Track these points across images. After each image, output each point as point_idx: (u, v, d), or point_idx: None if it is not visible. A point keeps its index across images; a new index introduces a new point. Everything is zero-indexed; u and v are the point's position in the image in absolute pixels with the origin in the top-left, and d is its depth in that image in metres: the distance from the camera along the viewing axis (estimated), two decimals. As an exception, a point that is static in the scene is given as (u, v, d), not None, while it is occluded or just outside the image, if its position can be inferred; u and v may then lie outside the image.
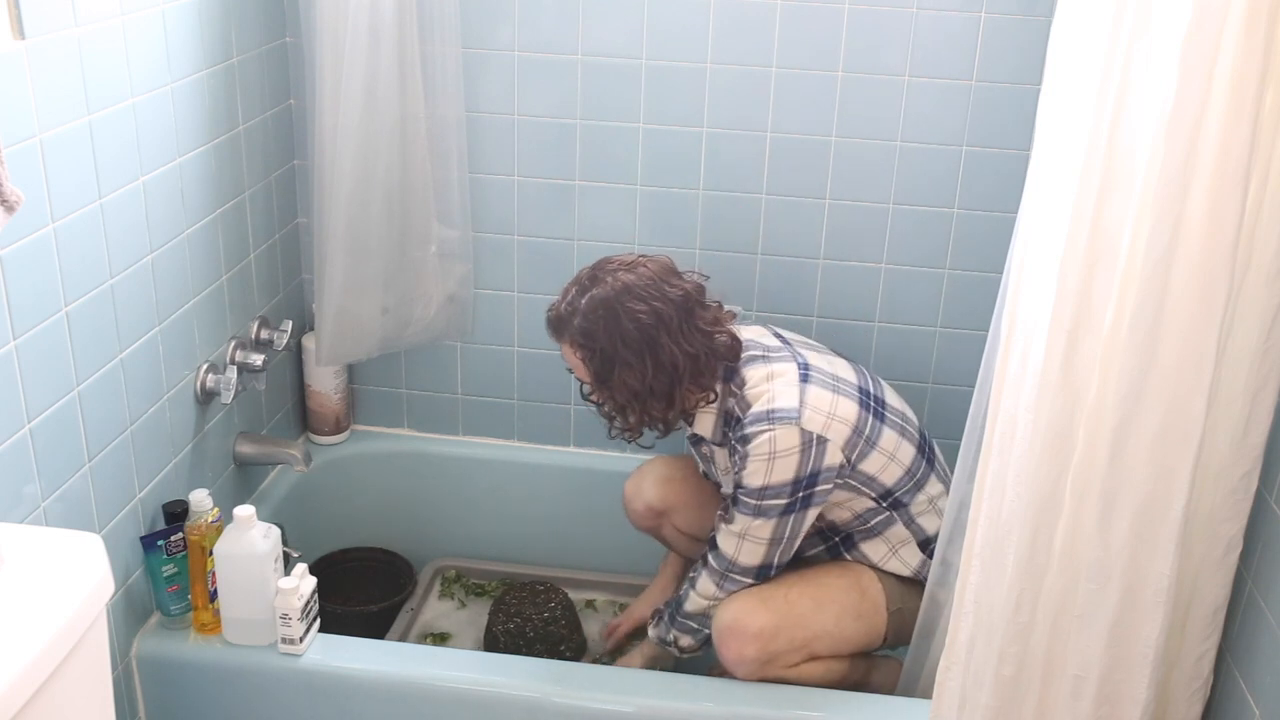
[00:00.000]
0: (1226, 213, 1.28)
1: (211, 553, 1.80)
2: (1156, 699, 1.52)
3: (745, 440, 1.81)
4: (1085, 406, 1.41)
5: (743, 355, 1.88)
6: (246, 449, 2.16)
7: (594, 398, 1.91)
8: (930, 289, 2.29)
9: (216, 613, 1.84)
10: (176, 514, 1.85)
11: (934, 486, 1.95)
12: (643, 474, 2.17)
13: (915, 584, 1.94)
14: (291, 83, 2.26)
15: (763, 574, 1.88)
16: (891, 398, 1.96)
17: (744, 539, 1.85)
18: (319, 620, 1.87)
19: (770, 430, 1.79)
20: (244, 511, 1.78)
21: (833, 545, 1.97)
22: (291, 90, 2.27)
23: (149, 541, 1.82)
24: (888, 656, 2.05)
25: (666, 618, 1.98)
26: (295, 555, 1.92)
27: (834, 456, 1.81)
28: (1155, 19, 1.27)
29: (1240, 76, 1.23)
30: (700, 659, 2.02)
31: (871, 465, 1.86)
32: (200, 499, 1.82)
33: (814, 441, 1.79)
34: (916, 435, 1.94)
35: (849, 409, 1.84)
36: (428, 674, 1.84)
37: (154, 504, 1.86)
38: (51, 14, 1.51)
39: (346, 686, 1.82)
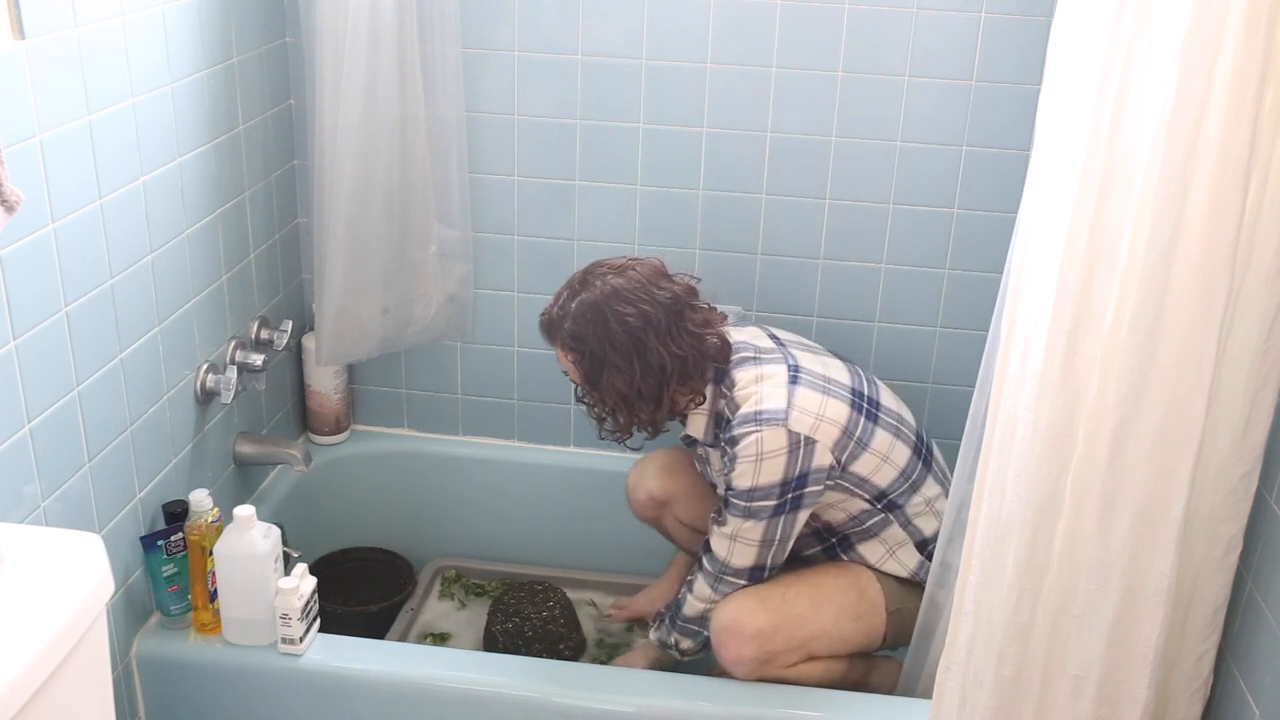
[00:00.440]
0: (1226, 213, 1.28)
1: (211, 553, 1.80)
2: (1156, 699, 1.52)
3: (733, 441, 1.82)
4: (1085, 406, 1.41)
5: (734, 357, 1.89)
6: (246, 449, 2.16)
7: (585, 400, 1.92)
8: (930, 289, 2.29)
9: (216, 613, 1.84)
10: (176, 514, 1.85)
11: (931, 488, 1.94)
12: (645, 464, 2.18)
13: (914, 585, 1.93)
14: (291, 83, 2.26)
15: (756, 575, 1.88)
16: (887, 399, 1.96)
17: (736, 541, 1.85)
18: (319, 620, 1.87)
19: (757, 431, 1.79)
20: (244, 511, 1.78)
21: (829, 546, 1.97)
22: (291, 90, 2.27)
23: (149, 541, 1.82)
24: (887, 657, 2.05)
25: (667, 621, 1.98)
26: (295, 555, 1.92)
27: (823, 458, 1.81)
28: (1155, 19, 1.27)
29: (1240, 76, 1.23)
30: (700, 659, 2.02)
31: (863, 467, 1.86)
32: (200, 499, 1.82)
33: (801, 443, 1.79)
34: (913, 437, 1.94)
35: (839, 410, 1.84)
36: (428, 674, 1.84)
37: (154, 504, 1.86)
38: (51, 14, 1.51)
39: (346, 686, 1.82)
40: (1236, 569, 1.53)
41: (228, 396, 1.99)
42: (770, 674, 1.85)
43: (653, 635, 2.01)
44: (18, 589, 1.20)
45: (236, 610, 1.82)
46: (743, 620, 1.84)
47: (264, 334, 2.19)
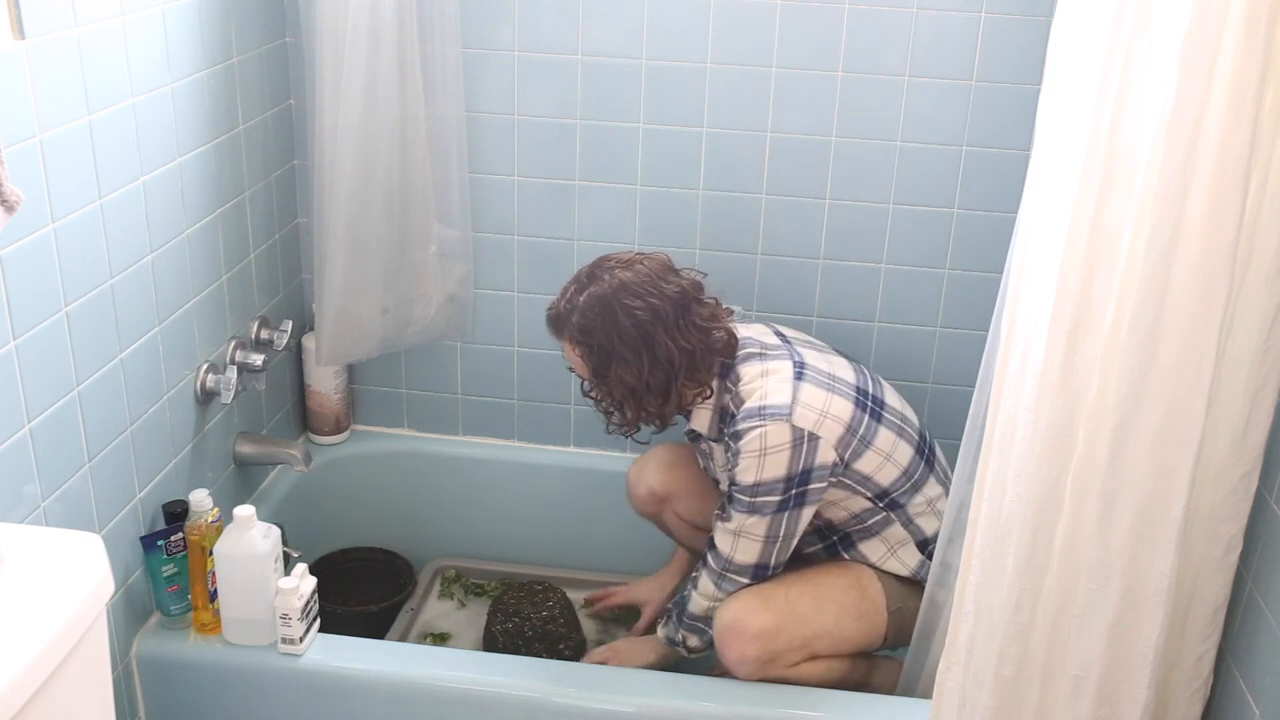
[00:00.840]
0: (1226, 213, 1.28)
1: (211, 553, 1.80)
2: (1156, 699, 1.52)
3: (738, 436, 1.82)
4: (1085, 406, 1.41)
5: (740, 352, 1.89)
6: (246, 449, 2.16)
7: (592, 394, 1.92)
8: (930, 289, 2.29)
9: (216, 613, 1.84)
10: (176, 514, 1.85)
11: (933, 488, 1.95)
12: (646, 460, 2.18)
13: (915, 584, 1.94)
14: (291, 83, 2.26)
15: (760, 573, 1.88)
16: (892, 398, 1.96)
17: (740, 536, 1.85)
18: (319, 620, 1.87)
19: (761, 426, 1.79)
20: (244, 511, 1.78)
21: (830, 545, 1.97)
22: (291, 90, 2.27)
23: (149, 541, 1.82)
24: (888, 657, 2.05)
25: (674, 618, 1.99)
26: (295, 555, 1.92)
27: (826, 454, 1.81)
28: (1155, 19, 1.27)
29: (1240, 76, 1.23)
30: (702, 659, 2.02)
31: (866, 465, 1.86)
32: (200, 499, 1.82)
33: (805, 438, 1.79)
34: (916, 437, 1.94)
35: (843, 407, 1.84)
36: (428, 674, 1.84)
37: (154, 504, 1.86)
38: (51, 14, 1.51)
39: (346, 686, 1.82)
40: (1236, 569, 1.53)
41: (228, 396, 1.99)
42: (773, 674, 1.85)
43: (660, 632, 2.02)
44: (18, 589, 1.20)
45: (236, 610, 1.82)
46: (746, 620, 1.84)
47: (264, 334, 2.19)
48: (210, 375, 1.99)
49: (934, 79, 2.14)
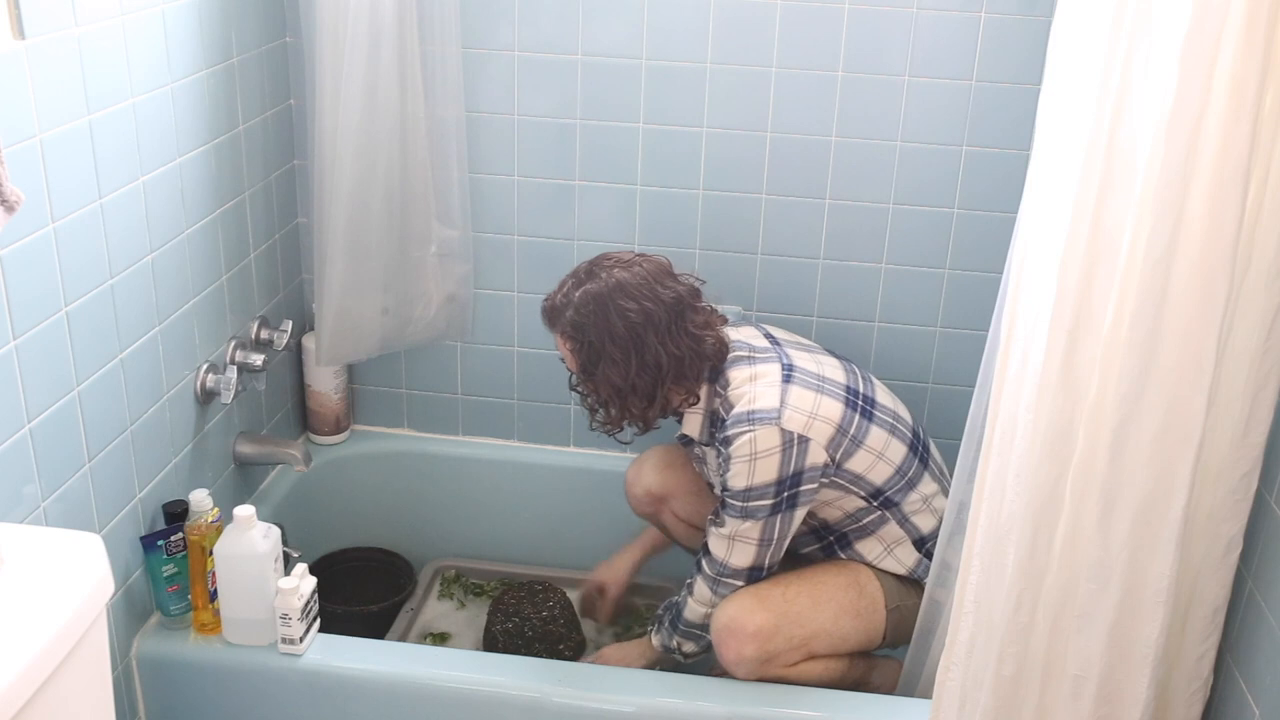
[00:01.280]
0: (1226, 213, 1.28)
1: (211, 553, 1.80)
2: (1156, 699, 1.52)
3: (727, 442, 1.82)
4: (1085, 406, 1.41)
5: (729, 356, 1.89)
6: (246, 449, 2.16)
7: (579, 388, 1.94)
8: (930, 289, 2.29)
9: (216, 613, 1.84)
10: (176, 514, 1.85)
11: (928, 486, 1.95)
12: (643, 460, 2.19)
13: (913, 583, 1.94)
14: (291, 83, 2.26)
15: (755, 575, 1.88)
16: (883, 396, 1.96)
17: (734, 541, 1.85)
18: (319, 620, 1.87)
19: (751, 431, 1.80)
20: (244, 511, 1.78)
21: (827, 544, 1.97)
22: (291, 90, 2.27)
23: (149, 541, 1.82)
24: (888, 657, 2.05)
25: (668, 624, 1.98)
26: (295, 555, 1.92)
27: (817, 455, 1.81)
28: (1155, 19, 1.27)
29: (1240, 76, 1.23)
30: (700, 660, 2.02)
31: (858, 464, 1.86)
32: (200, 499, 1.82)
33: (795, 441, 1.80)
34: (909, 434, 1.94)
35: (833, 408, 1.84)
36: (428, 674, 1.84)
37: (154, 504, 1.86)
38: (51, 14, 1.51)
39: (346, 686, 1.82)
40: (1236, 569, 1.53)
41: (228, 396, 1.99)
42: (771, 673, 1.85)
43: (655, 640, 2.01)
44: (18, 589, 1.20)
45: (236, 610, 1.82)
46: (743, 620, 1.84)
47: (264, 334, 2.19)
48: (210, 375, 1.99)
49: (934, 79, 2.14)
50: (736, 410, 1.83)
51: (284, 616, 1.79)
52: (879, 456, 1.88)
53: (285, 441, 2.28)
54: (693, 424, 1.92)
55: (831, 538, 1.96)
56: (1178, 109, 1.25)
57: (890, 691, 1.98)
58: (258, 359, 2.11)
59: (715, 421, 1.88)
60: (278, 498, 2.27)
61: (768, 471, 1.80)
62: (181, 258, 1.89)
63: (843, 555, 1.97)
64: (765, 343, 1.94)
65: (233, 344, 2.10)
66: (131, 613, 1.83)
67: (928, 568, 1.89)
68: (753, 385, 1.85)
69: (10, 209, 1.32)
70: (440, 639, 2.31)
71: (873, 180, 2.22)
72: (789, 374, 1.86)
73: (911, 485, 1.92)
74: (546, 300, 1.91)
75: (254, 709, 1.85)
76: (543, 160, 2.28)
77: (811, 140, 2.20)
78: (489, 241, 2.35)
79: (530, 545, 2.50)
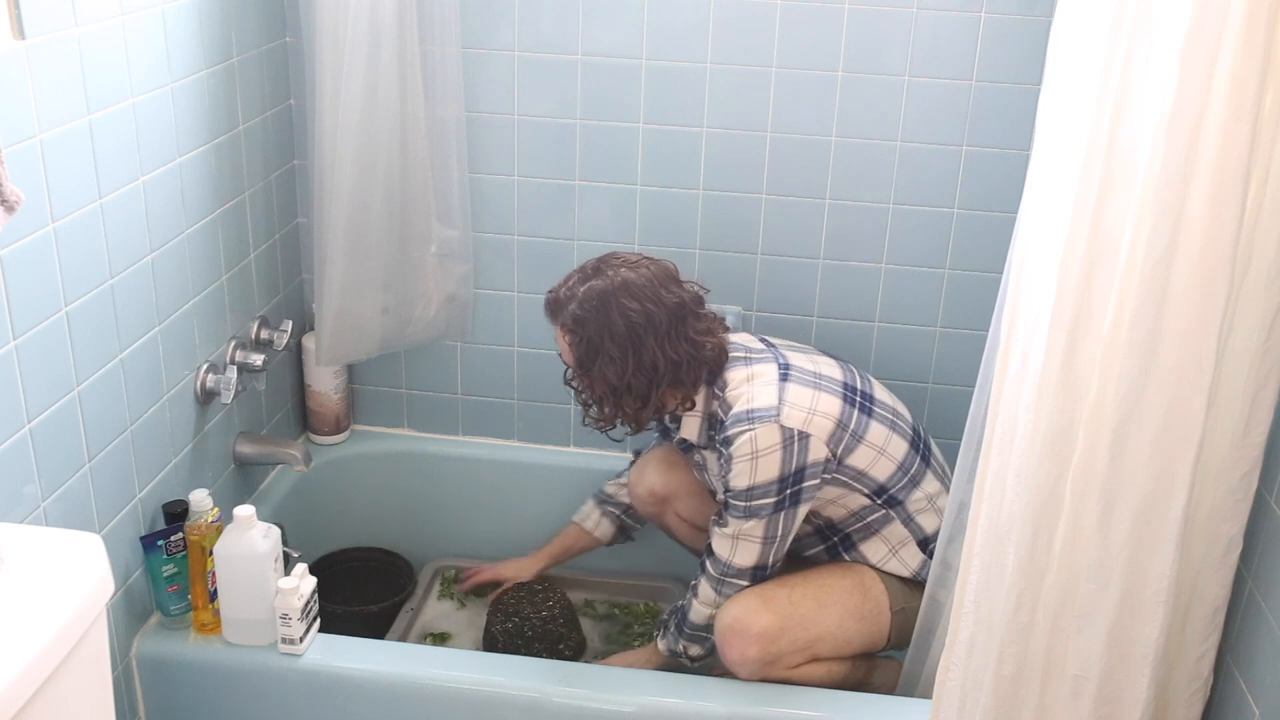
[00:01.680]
0: (1226, 213, 1.28)
1: (211, 553, 1.80)
2: (1156, 699, 1.52)
3: (728, 442, 1.82)
4: (1085, 406, 1.41)
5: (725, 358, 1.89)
6: (246, 449, 2.16)
7: (574, 384, 1.94)
8: (930, 289, 2.29)
9: (216, 613, 1.84)
10: (176, 514, 1.85)
11: (931, 484, 1.95)
12: (646, 460, 2.19)
13: (917, 585, 1.93)
14: (291, 83, 2.26)
15: (759, 574, 1.88)
16: (881, 393, 1.96)
17: (738, 540, 1.85)
18: (319, 620, 1.87)
19: (750, 430, 1.80)
20: (244, 511, 1.78)
21: (832, 546, 1.97)
22: (291, 90, 2.27)
23: (149, 541, 1.82)
24: (888, 657, 2.05)
25: (674, 629, 1.98)
26: (295, 555, 1.92)
27: (818, 451, 1.82)
28: (1155, 19, 1.27)
29: (1240, 76, 1.23)
30: (705, 664, 2.02)
31: (860, 460, 1.87)
32: (200, 499, 1.82)
33: (795, 437, 1.80)
34: (909, 431, 1.94)
35: (831, 404, 1.84)
36: (428, 674, 1.84)
37: (154, 504, 1.86)
38: (51, 14, 1.51)
39: (346, 686, 1.82)
40: (1236, 569, 1.53)
41: (228, 396, 1.99)
42: (774, 675, 1.85)
43: (661, 644, 2.01)
44: (18, 589, 1.20)
45: (236, 610, 1.82)
46: (747, 621, 1.84)
47: (264, 334, 2.19)
48: (210, 375, 1.99)
49: (934, 79, 2.14)
50: (735, 410, 1.83)
51: (284, 616, 1.79)
52: (880, 452, 1.88)
53: (285, 441, 2.28)
54: (691, 427, 1.92)
55: (836, 539, 1.96)
56: (1178, 109, 1.25)
57: (890, 691, 1.98)
58: (258, 359, 2.11)
59: (714, 423, 1.88)
60: (278, 498, 2.27)
61: (770, 469, 1.80)
62: (181, 258, 1.89)
63: (847, 557, 1.96)
64: (760, 345, 1.95)
65: (233, 344, 2.10)
66: (131, 613, 1.83)
67: (930, 569, 1.89)
68: (750, 385, 1.85)
69: (10, 209, 1.32)
70: (440, 639, 2.31)
71: (873, 180, 2.22)
72: (785, 373, 1.86)
73: (915, 483, 1.92)
74: (550, 292, 1.91)
75: (254, 709, 1.85)
76: (543, 160, 2.28)
77: (811, 140, 2.20)
78: (489, 241, 2.35)
79: (530, 545, 2.49)
